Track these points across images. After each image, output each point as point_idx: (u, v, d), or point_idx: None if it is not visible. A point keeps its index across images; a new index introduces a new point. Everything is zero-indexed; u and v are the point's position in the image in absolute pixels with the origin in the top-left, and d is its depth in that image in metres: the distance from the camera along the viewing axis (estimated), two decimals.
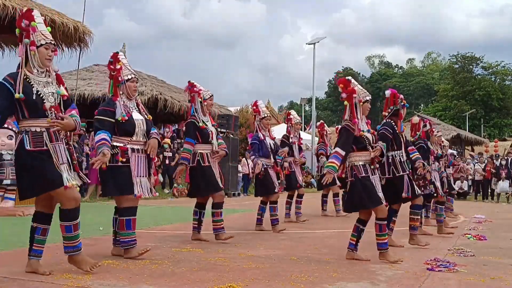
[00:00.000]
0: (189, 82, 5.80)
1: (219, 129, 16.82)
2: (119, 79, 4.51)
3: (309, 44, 28.26)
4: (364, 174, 4.69)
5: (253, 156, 6.98)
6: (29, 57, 3.63)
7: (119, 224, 4.49)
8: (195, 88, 5.72)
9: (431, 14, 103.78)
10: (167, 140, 16.63)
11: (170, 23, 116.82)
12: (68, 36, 11.21)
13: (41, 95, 3.60)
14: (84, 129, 15.42)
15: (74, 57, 12.30)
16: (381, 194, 4.76)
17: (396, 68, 75.17)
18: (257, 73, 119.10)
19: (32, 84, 3.59)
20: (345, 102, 4.79)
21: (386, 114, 5.67)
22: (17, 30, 3.70)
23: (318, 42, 26.99)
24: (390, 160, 5.49)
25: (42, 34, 3.66)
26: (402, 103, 5.64)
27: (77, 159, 12.93)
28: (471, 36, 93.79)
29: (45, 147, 3.59)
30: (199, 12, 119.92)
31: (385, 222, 4.80)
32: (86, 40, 11.80)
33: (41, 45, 3.64)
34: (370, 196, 4.66)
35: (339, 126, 5.50)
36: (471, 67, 49.76)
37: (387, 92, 5.76)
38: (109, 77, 4.65)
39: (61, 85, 3.80)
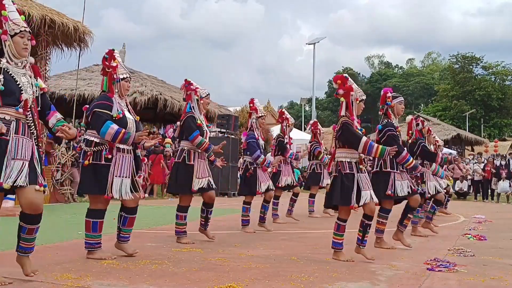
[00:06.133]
0: (185, 80, 5.80)
1: (218, 129, 16.58)
2: (114, 76, 4.48)
3: (309, 44, 28.27)
4: (348, 171, 4.66)
5: (262, 155, 6.80)
6: (4, 48, 3.45)
7: (85, 225, 4.44)
8: (191, 86, 5.71)
9: (430, 13, 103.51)
10: (169, 140, 16.63)
11: (168, 23, 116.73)
12: (68, 36, 11.20)
13: (19, 85, 3.44)
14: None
15: (74, 57, 12.30)
16: (365, 193, 4.65)
17: (396, 68, 75.04)
18: (256, 74, 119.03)
19: (11, 74, 3.43)
20: (342, 99, 4.77)
21: (381, 114, 5.73)
22: None
23: (318, 42, 27.00)
24: None
25: (15, 23, 3.49)
26: (387, 102, 5.65)
27: (77, 159, 12.63)
28: (470, 36, 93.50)
29: (6, 137, 3.32)
30: (197, 13, 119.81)
31: (343, 223, 4.71)
32: (86, 40, 11.79)
33: (16, 34, 3.48)
34: (342, 194, 4.62)
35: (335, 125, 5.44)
36: (471, 67, 49.67)
37: (382, 92, 5.84)
38: (102, 74, 4.59)
39: (38, 77, 3.65)
